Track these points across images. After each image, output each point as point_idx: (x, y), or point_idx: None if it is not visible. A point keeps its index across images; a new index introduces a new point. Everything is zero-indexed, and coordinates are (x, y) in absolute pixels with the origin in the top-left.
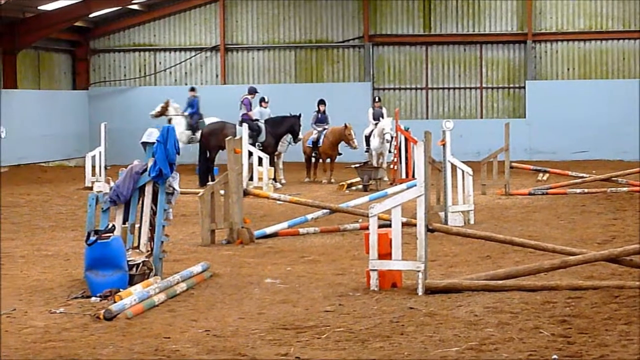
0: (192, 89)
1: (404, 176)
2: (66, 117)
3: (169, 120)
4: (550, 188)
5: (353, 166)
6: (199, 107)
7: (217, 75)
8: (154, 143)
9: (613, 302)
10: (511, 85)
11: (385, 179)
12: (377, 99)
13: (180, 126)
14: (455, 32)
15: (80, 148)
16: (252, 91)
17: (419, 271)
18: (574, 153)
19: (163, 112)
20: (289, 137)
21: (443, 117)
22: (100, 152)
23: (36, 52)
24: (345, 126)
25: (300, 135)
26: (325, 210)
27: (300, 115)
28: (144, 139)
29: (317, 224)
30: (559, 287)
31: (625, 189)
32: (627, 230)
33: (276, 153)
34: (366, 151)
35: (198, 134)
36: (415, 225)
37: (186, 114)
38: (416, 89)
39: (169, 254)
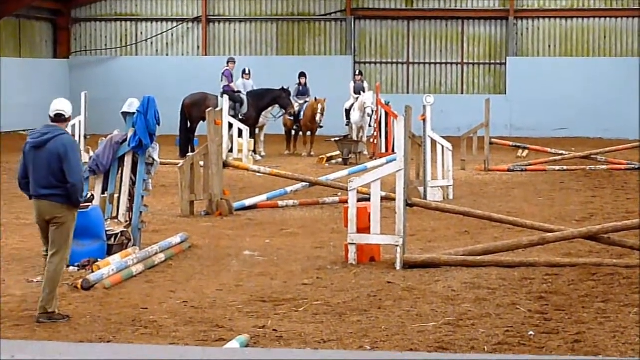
0: None
1: (383, 150)
2: (47, 86)
3: None
4: (530, 165)
5: (333, 140)
6: None
7: (198, 47)
8: (134, 113)
9: (590, 280)
10: (492, 62)
11: (365, 152)
12: (358, 73)
13: None
14: (437, 7)
15: None
16: (231, 61)
17: (397, 245)
18: (554, 130)
19: None
20: (275, 110)
21: (424, 92)
22: (80, 122)
23: (17, 20)
24: (315, 99)
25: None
26: (304, 183)
27: (283, 87)
28: (125, 109)
29: (297, 196)
30: (536, 264)
31: (604, 166)
32: (605, 208)
33: (259, 125)
34: (347, 125)
35: None
36: (394, 199)
37: None
38: (398, 63)
39: (147, 224)
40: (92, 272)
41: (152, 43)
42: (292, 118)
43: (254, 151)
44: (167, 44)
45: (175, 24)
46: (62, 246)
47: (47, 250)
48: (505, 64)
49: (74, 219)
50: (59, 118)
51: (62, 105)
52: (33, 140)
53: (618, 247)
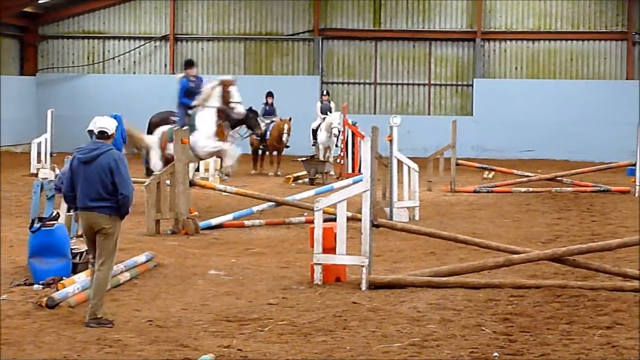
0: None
1: (350, 171)
2: (13, 103)
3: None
4: (496, 186)
5: (300, 159)
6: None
7: (165, 65)
8: None
9: (555, 302)
10: (459, 83)
11: (332, 173)
12: (325, 93)
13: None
14: (405, 28)
15: (27, 134)
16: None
17: (363, 266)
18: (520, 152)
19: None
20: (242, 130)
21: (391, 113)
22: (46, 139)
23: None
24: (280, 119)
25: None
26: (271, 203)
27: (251, 107)
28: (91, 127)
29: (263, 216)
30: (502, 285)
31: (570, 188)
32: (571, 230)
33: None
34: (313, 145)
35: None
36: (360, 220)
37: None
38: (365, 83)
39: None
40: (57, 290)
41: (119, 61)
42: (258, 138)
43: (221, 170)
44: (134, 62)
45: (143, 42)
46: (109, 255)
47: (94, 257)
48: (472, 85)
49: (120, 229)
50: (103, 135)
51: (104, 122)
52: (83, 155)
53: (583, 269)
